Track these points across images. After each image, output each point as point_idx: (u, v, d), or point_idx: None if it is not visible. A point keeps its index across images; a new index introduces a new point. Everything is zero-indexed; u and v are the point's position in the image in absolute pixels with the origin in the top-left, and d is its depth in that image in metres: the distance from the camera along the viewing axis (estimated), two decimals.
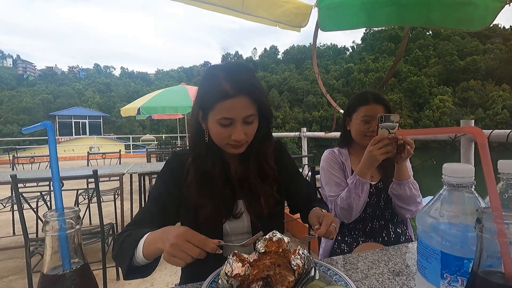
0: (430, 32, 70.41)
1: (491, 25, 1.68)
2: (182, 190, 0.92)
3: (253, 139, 0.90)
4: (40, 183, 2.19)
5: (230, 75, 0.80)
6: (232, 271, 0.71)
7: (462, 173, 0.40)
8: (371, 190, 1.29)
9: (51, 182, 0.34)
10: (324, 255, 1.40)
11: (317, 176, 2.02)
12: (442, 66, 59.00)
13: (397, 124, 1.08)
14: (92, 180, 2.07)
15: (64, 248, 0.31)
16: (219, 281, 0.67)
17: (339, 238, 1.38)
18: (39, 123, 0.38)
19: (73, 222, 0.32)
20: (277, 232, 0.78)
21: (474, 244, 0.38)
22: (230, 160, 0.97)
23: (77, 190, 2.05)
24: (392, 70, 2.21)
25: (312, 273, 0.58)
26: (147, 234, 0.74)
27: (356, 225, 1.35)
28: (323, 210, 0.89)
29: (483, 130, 1.55)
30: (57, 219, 0.31)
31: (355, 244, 1.31)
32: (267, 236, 0.78)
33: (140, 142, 21.60)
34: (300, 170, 3.70)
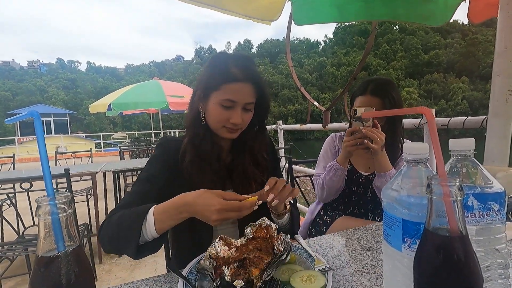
0: (397, 27, 73.55)
1: (451, 20, 1.82)
2: (175, 174, 0.90)
3: (248, 128, 0.95)
4: (4, 186, 2.07)
5: (240, 62, 0.85)
6: (216, 253, 0.75)
7: (419, 151, 0.46)
8: (361, 180, 1.34)
9: (41, 167, 0.35)
10: (303, 229, 1.50)
11: (294, 167, 2.08)
12: (408, 60, 62.08)
13: (370, 118, 1.13)
14: (62, 180, 1.99)
15: (57, 230, 0.32)
16: (201, 261, 0.70)
17: (322, 213, 1.44)
18: (25, 113, 0.38)
19: (64, 206, 0.33)
20: (266, 219, 0.81)
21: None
22: (223, 146, 0.98)
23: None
24: (362, 63, 2.32)
25: (283, 257, 0.63)
26: (153, 207, 0.73)
27: (338, 207, 1.41)
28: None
29: (442, 118, 1.69)
30: (49, 203, 0.32)
31: (330, 220, 1.37)
32: (256, 223, 0.82)
33: (112, 140, 20.74)
34: None
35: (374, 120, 1.16)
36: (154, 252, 0.76)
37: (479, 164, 0.50)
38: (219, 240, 0.78)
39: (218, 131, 0.90)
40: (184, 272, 0.71)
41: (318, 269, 0.68)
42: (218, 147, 0.95)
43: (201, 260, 0.73)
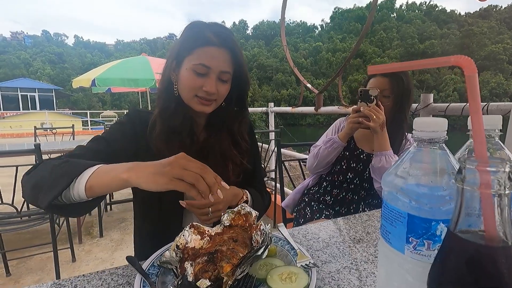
0: (395, 15, 72.68)
1: (449, 10, 1.70)
2: (142, 147, 0.83)
3: (227, 105, 0.88)
4: None
5: (215, 28, 0.79)
6: (185, 243, 0.65)
7: (434, 126, 0.35)
8: (362, 156, 1.35)
9: None
10: (287, 204, 1.56)
11: (283, 151, 1.99)
12: (403, 48, 61.82)
13: (374, 97, 1.16)
14: (45, 157, 1.85)
15: None
16: (166, 252, 0.60)
17: (310, 195, 1.45)
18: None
19: None
20: (246, 205, 0.72)
21: (443, 204, 0.34)
22: (196, 121, 0.91)
23: (17, 166, 1.81)
24: (359, 43, 2.19)
25: (260, 252, 0.53)
26: (98, 165, 0.62)
27: (332, 190, 1.39)
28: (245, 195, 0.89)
29: (440, 104, 1.60)
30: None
31: (317, 215, 1.32)
32: (235, 209, 0.72)
33: (100, 119, 20.17)
34: (267, 146, 3.63)
35: (379, 101, 1.17)
36: (71, 215, 0.68)
37: (505, 147, 0.40)
38: (190, 228, 0.68)
39: (190, 102, 0.82)
40: (145, 265, 0.60)
41: (301, 265, 0.59)
42: (190, 121, 0.87)
43: (166, 251, 0.63)
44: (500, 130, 0.39)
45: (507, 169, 0.21)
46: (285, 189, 2.83)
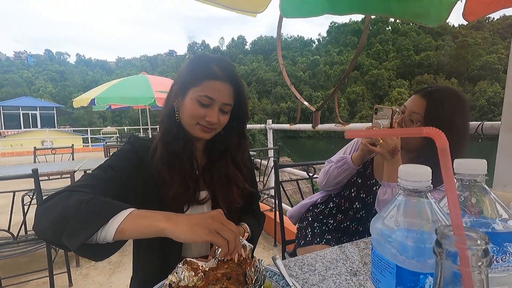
0: (390, 28, 74.26)
1: (442, 23, 1.74)
2: (144, 173, 0.83)
3: (227, 134, 0.93)
4: None
5: (221, 63, 0.84)
6: (178, 281, 0.63)
7: (418, 177, 0.36)
8: (375, 188, 1.18)
9: None
10: (291, 215, 1.50)
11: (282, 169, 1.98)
12: (400, 60, 62.77)
13: (388, 118, 1.00)
14: (43, 179, 1.84)
15: None
16: None
17: (314, 214, 1.38)
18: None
19: None
20: (241, 238, 0.72)
21: (430, 258, 0.33)
22: (196, 145, 0.94)
23: (14, 192, 1.81)
24: (354, 60, 2.22)
25: None
26: (131, 209, 0.62)
27: (337, 214, 1.32)
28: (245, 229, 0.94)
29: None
30: None
31: (318, 239, 1.29)
32: None
33: (101, 135, 20.26)
34: (266, 162, 3.61)
35: (394, 123, 1.02)
36: (96, 258, 0.62)
37: (490, 191, 0.40)
38: (183, 264, 0.67)
39: (191, 128, 0.85)
40: None
41: None
42: (191, 146, 0.90)
43: None
44: (485, 175, 0.39)
45: (483, 244, 0.21)
46: (284, 205, 2.81)
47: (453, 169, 0.24)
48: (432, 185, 0.36)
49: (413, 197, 0.36)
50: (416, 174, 0.36)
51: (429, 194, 0.36)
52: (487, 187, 0.40)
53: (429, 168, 0.37)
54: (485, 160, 0.39)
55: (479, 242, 0.21)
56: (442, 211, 0.36)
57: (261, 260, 0.65)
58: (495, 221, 0.38)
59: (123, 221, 0.58)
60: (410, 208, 0.36)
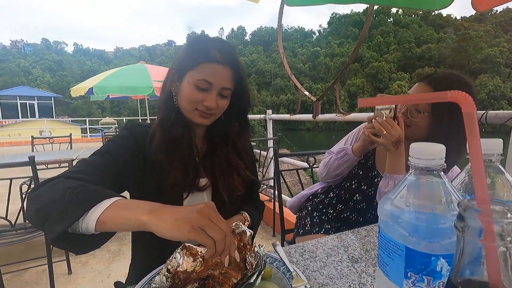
0: (391, 20, 73.40)
1: (445, 15, 1.69)
2: (141, 159, 0.81)
3: (229, 121, 0.90)
4: None
5: (221, 45, 0.80)
6: (177, 266, 0.62)
7: (432, 154, 0.33)
8: (376, 180, 1.17)
9: None
10: (291, 206, 1.49)
11: (280, 159, 1.97)
12: (401, 52, 62.25)
13: (392, 108, 0.97)
14: (41, 167, 1.82)
15: None
16: (156, 277, 0.58)
17: (314, 203, 1.37)
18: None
19: None
20: (241, 224, 0.70)
21: (443, 239, 0.32)
22: (196, 131, 0.91)
23: (11, 179, 1.79)
24: (356, 50, 2.18)
25: (252, 280, 0.50)
26: (117, 198, 0.57)
27: (337, 204, 1.30)
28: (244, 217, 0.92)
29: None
30: None
31: (317, 228, 1.28)
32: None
33: (99, 126, 20.14)
34: (265, 153, 3.60)
35: (397, 113, 0.97)
36: (76, 251, 0.59)
37: (505, 171, 0.38)
38: (181, 250, 0.66)
39: (190, 114, 0.82)
40: None
41: None
42: (190, 132, 0.87)
43: (157, 275, 0.61)
44: (500, 154, 0.37)
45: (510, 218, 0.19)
46: (283, 196, 2.80)
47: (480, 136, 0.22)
48: (445, 164, 0.34)
49: (425, 175, 0.34)
50: (429, 151, 0.33)
51: (442, 173, 0.34)
52: (502, 168, 0.38)
53: (442, 146, 0.34)
54: (500, 139, 0.37)
55: (509, 215, 0.19)
56: (456, 191, 0.34)
57: (262, 246, 0.63)
58: (510, 203, 0.36)
59: (104, 212, 0.54)
60: (422, 187, 0.34)
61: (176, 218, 0.50)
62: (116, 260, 2.64)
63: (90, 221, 0.53)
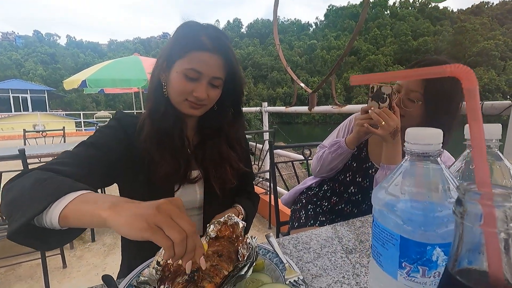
0: (388, 12, 73.04)
1: (441, 7, 1.68)
2: (130, 151, 0.77)
3: (222, 111, 0.87)
4: None
5: (211, 32, 0.76)
6: (167, 259, 0.61)
7: (429, 139, 0.32)
8: (370, 171, 1.15)
9: None
10: (286, 201, 1.47)
11: (277, 151, 1.95)
12: (397, 45, 62.16)
13: (387, 96, 0.93)
14: (33, 161, 1.79)
15: None
16: (145, 270, 0.56)
17: (308, 196, 1.35)
18: None
19: None
20: (233, 215, 0.69)
21: (439, 227, 0.30)
22: (186, 122, 0.87)
23: (1, 172, 1.76)
24: (352, 41, 2.15)
25: (243, 272, 0.49)
26: (85, 191, 0.52)
27: (331, 196, 1.30)
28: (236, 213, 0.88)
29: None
30: None
31: (312, 221, 1.28)
32: (222, 219, 0.68)
33: (94, 119, 19.92)
34: (261, 146, 3.58)
35: (393, 102, 0.94)
36: (38, 247, 0.54)
37: (503, 158, 0.37)
38: None
39: (180, 105, 0.79)
40: (122, 285, 0.56)
41: (289, 281, 0.55)
42: (181, 123, 0.84)
43: (146, 268, 0.59)
44: (499, 140, 0.36)
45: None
46: (279, 188, 2.80)
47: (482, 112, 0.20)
48: (443, 150, 0.33)
49: (421, 162, 0.33)
50: (426, 135, 0.32)
51: (439, 159, 0.33)
52: (500, 154, 0.36)
53: (440, 131, 0.33)
54: (500, 124, 0.36)
55: (508, 198, 0.18)
56: (453, 178, 0.32)
57: (254, 237, 0.62)
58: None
59: (67, 205, 0.49)
60: (418, 174, 0.32)
61: (134, 214, 0.44)
62: (111, 253, 2.63)
63: (53, 215, 0.49)
